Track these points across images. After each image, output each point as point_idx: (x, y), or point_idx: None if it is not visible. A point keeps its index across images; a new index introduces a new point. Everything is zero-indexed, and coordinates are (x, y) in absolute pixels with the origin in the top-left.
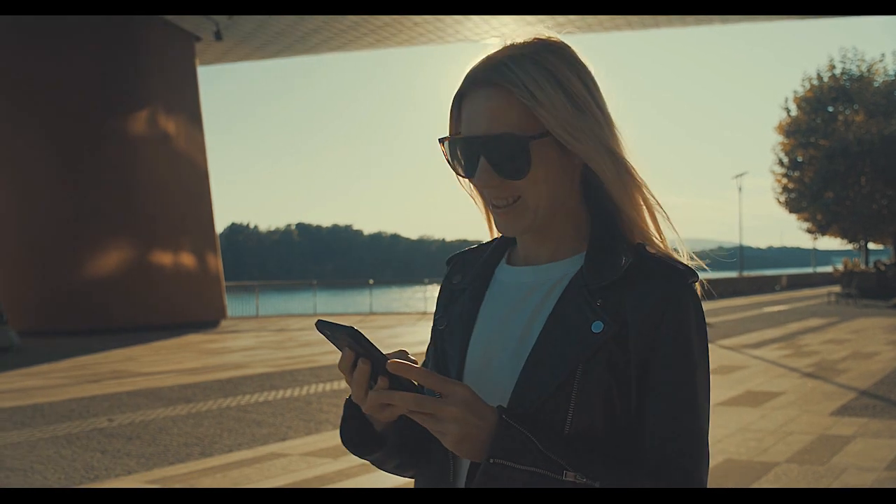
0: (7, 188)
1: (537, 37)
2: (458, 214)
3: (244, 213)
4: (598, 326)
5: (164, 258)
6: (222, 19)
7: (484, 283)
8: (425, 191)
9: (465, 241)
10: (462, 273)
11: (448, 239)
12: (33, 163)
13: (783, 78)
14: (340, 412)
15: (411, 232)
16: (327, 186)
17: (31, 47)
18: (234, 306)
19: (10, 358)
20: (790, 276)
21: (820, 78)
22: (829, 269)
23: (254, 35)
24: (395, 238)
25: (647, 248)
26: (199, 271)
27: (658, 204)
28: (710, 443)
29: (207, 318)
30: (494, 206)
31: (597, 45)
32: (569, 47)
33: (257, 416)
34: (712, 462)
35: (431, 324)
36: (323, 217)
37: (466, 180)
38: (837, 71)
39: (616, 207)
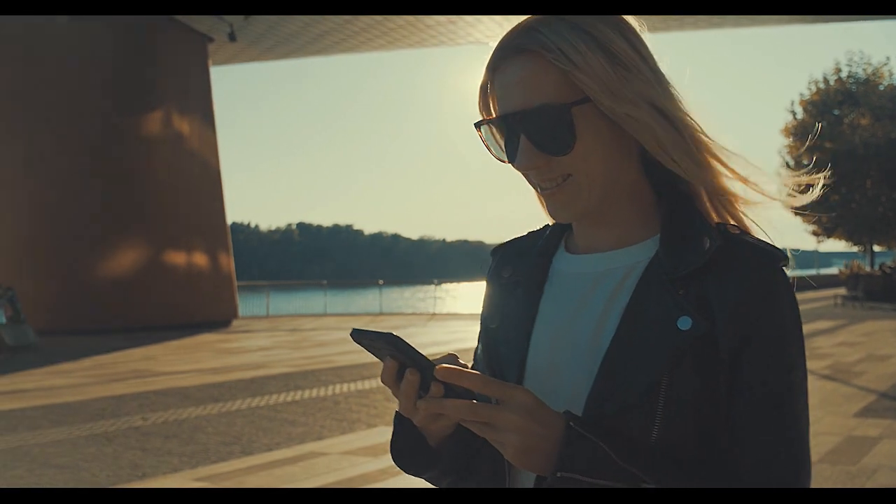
0: (24, 187)
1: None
2: (459, 215)
3: (245, 213)
4: (685, 322)
5: (178, 258)
6: (237, 20)
7: (541, 274)
8: (426, 191)
9: (465, 242)
10: (513, 265)
11: (449, 239)
12: (50, 163)
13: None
14: (370, 412)
15: (412, 232)
16: (328, 186)
17: (50, 48)
18: (245, 306)
19: (29, 356)
20: (793, 279)
21: (826, 81)
22: (831, 270)
23: (266, 36)
24: (396, 238)
25: (730, 227)
26: (212, 271)
27: (739, 164)
28: None
29: (220, 318)
30: (542, 189)
31: None
32: (617, 17)
33: (288, 416)
34: None
35: (440, 324)
36: (323, 217)
37: (511, 166)
38: (844, 74)
39: (685, 181)
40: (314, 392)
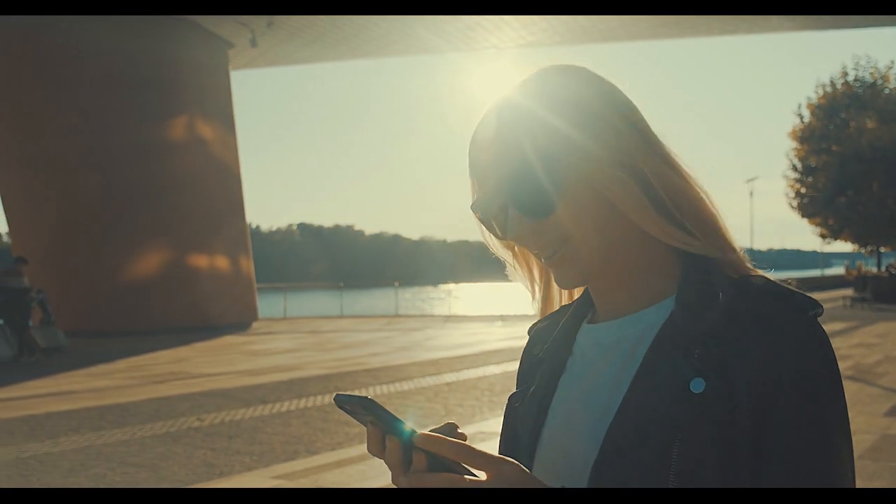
0: (49, 192)
1: (539, 70)
2: (460, 216)
3: (245, 213)
4: (698, 385)
5: (200, 261)
6: (259, 26)
7: (565, 349)
8: (427, 192)
9: (465, 243)
10: (542, 342)
11: (449, 240)
12: (74, 167)
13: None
14: (416, 412)
15: (413, 233)
16: (329, 187)
17: (73, 55)
18: (261, 307)
19: (61, 358)
20: (799, 280)
21: (833, 85)
22: (833, 271)
23: (285, 42)
24: (397, 238)
25: (753, 278)
26: (233, 273)
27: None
28: None
29: (240, 320)
30: (545, 260)
31: (611, 54)
32: (577, 67)
33: (340, 417)
34: None
35: (456, 326)
36: (324, 217)
37: (521, 254)
38: (850, 78)
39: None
40: (356, 393)
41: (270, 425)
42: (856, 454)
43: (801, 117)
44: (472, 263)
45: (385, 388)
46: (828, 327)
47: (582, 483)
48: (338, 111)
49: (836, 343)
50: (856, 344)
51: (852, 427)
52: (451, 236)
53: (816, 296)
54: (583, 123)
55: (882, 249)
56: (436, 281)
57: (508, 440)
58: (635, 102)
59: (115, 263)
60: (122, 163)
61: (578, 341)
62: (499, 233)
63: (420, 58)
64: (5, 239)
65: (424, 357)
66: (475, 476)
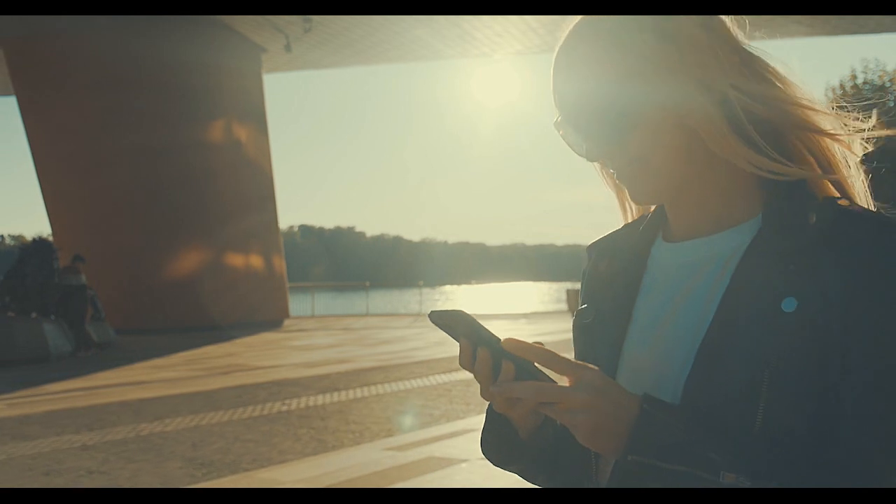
0: (91, 192)
1: None
2: (461, 217)
3: (278, 214)
4: (790, 304)
5: (236, 260)
6: (295, 31)
7: (640, 265)
8: (428, 193)
9: (466, 244)
10: (610, 257)
11: (451, 241)
12: (117, 168)
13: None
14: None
15: (414, 234)
16: (330, 188)
17: (113, 57)
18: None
19: (113, 353)
20: None
21: (843, 87)
22: None
23: (317, 47)
24: (398, 240)
25: (839, 201)
26: (266, 272)
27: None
28: None
29: (273, 318)
30: (617, 175)
31: None
32: None
33: (417, 401)
34: None
35: (485, 323)
36: (325, 219)
37: (601, 168)
38: (859, 81)
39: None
40: (419, 382)
41: (355, 410)
42: None
43: None
44: (473, 264)
45: (442, 378)
46: None
47: (673, 398)
48: (338, 113)
49: None
50: None
51: None
52: (452, 238)
53: None
54: (668, 43)
55: None
56: (435, 283)
57: (585, 356)
58: None
59: (155, 263)
60: (163, 164)
61: (655, 259)
62: (580, 150)
63: (420, 62)
64: (8, 241)
65: None
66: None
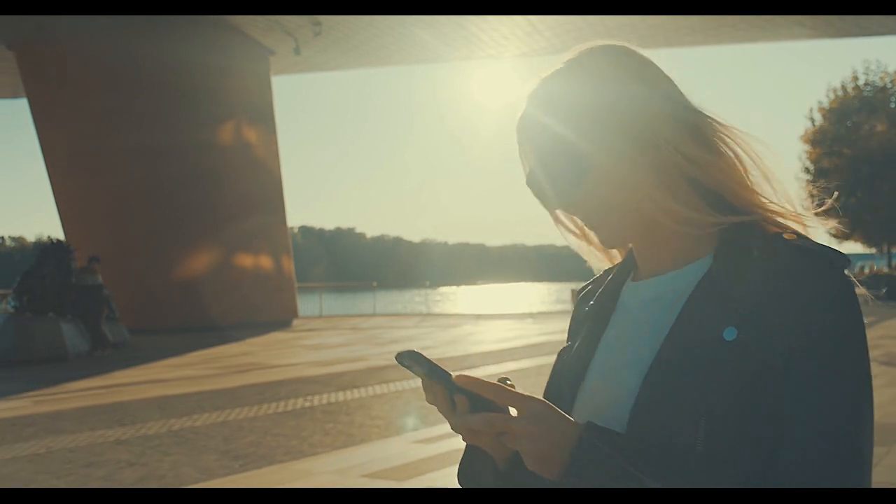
0: (102, 194)
1: (574, 53)
2: (461, 218)
3: (287, 215)
4: (731, 333)
5: (245, 260)
6: (305, 34)
7: (610, 304)
8: (428, 195)
9: (466, 245)
10: (591, 299)
11: (451, 242)
12: (127, 170)
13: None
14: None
15: (414, 235)
16: (330, 189)
17: (126, 59)
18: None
19: (128, 352)
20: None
21: (844, 89)
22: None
23: (325, 50)
24: (398, 241)
25: (787, 235)
26: (275, 273)
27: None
28: None
29: (282, 318)
30: (586, 225)
31: None
32: (608, 46)
33: None
34: None
35: (490, 323)
36: (325, 220)
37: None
38: (861, 82)
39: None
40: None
41: (376, 404)
42: None
43: (813, 121)
44: (473, 265)
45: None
46: None
47: (622, 425)
48: (338, 115)
49: None
50: (881, 336)
51: (893, 409)
52: (453, 239)
53: None
54: (611, 108)
55: (893, 249)
56: (435, 284)
57: (551, 389)
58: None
59: (166, 263)
60: (174, 165)
61: (622, 298)
62: (547, 204)
63: (426, 64)
64: (8, 242)
65: (476, 350)
66: (509, 413)
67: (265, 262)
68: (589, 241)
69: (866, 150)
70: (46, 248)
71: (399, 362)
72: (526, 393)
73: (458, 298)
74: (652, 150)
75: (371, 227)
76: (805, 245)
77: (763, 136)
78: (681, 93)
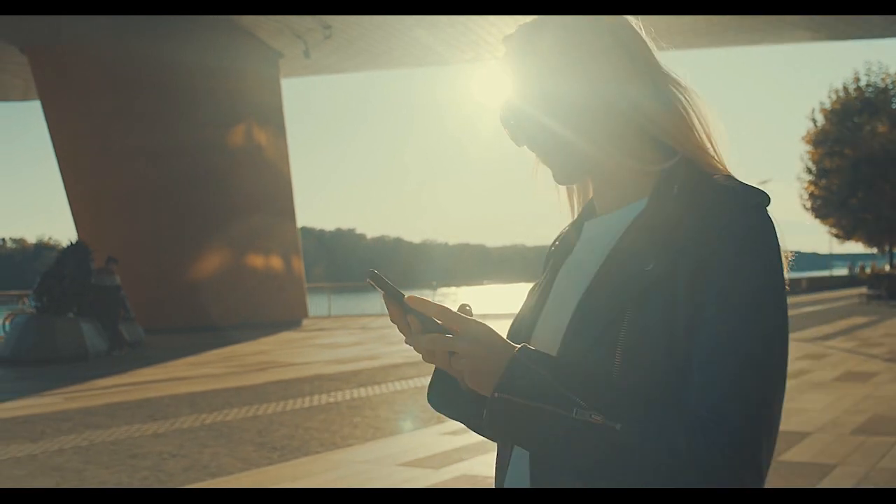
0: (117, 196)
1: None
2: (461, 219)
3: (296, 215)
4: (649, 265)
5: (257, 261)
6: (314, 38)
7: (573, 241)
8: (428, 195)
9: (467, 245)
10: (561, 239)
11: (451, 243)
12: (141, 172)
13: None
14: None
15: (414, 236)
16: (330, 190)
17: (143, 63)
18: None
19: (145, 351)
20: (809, 280)
21: (846, 90)
22: (839, 272)
23: (333, 53)
24: (398, 242)
25: (714, 176)
26: (286, 273)
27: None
28: (852, 404)
29: (292, 317)
30: (542, 160)
31: None
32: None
33: None
34: (860, 419)
35: (493, 323)
36: (326, 221)
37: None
38: (862, 83)
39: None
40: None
41: (398, 400)
42: None
43: (815, 122)
44: (473, 266)
45: None
46: (854, 321)
47: (555, 348)
48: (338, 116)
49: (867, 333)
50: (885, 334)
51: None
52: (453, 239)
53: (828, 295)
54: (578, 56)
55: (895, 249)
56: (436, 285)
57: (518, 317)
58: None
59: (176, 264)
60: (185, 167)
61: (582, 233)
62: (515, 141)
63: (432, 67)
64: (9, 244)
65: None
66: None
67: (275, 262)
68: (568, 194)
69: (868, 150)
70: (66, 250)
71: (369, 281)
72: (467, 317)
73: (460, 299)
74: (607, 99)
75: (371, 227)
76: (727, 183)
77: (766, 137)
78: (648, 49)
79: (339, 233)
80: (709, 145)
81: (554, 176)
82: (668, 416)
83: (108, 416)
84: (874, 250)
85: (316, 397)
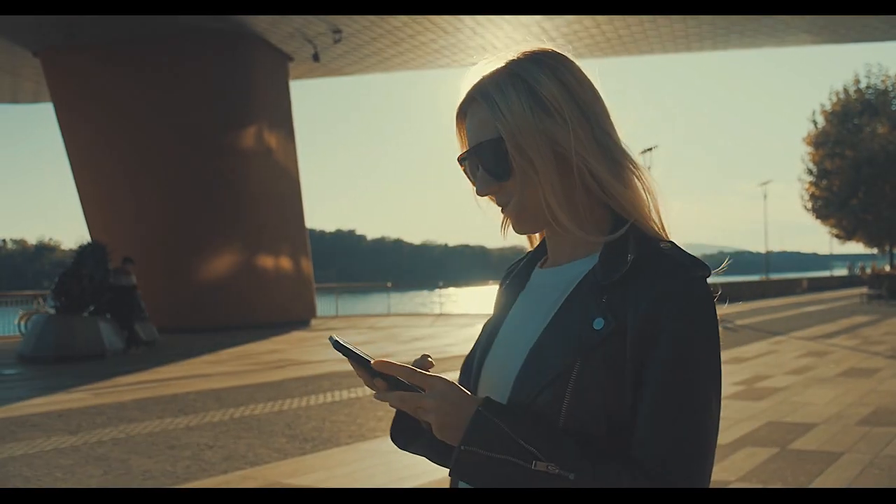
0: (132, 198)
1: (527, 50)
2: (461, 220)
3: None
4: (599, 323)
5: (267, 262)
6: (325, 41)
7: (520, 285)
8: (428, 196)
9: (466, 246)
10: (511, 278)
11: (451, 244)
12: (156, 175)
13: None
14: None
15: (414, 237)
16: (330, 192)
17: (159, 68)
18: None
19: (161, 350)
20: (810, 280)
21: (846, 92)
22: (839, 272)
23: (343, 56)
24: (398, 243)
25: (661, 243)
26: (295, 274)
27: (650, 195)
28: (857, 398)
29: (301, 317)
30: (501, 210)
31: (632, 66)
32: (557, 54)
33: None
34: (864, 411)
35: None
36: (326, 222)
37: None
38: (863, 85)
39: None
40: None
41: None
42: None
43: (816, 123)
44: (473, 266)
45: None
46: (855, 320)
47: (506, 395)
48: (338, 118)
49: (868, 332)
50: (885, 332)
51: None
52: (453, 240)
53: (829, 295)
54: (538, 113)
55: (895, 249)
56: (435, 286)
57: (470, 355)
58: (659, 109)
59: (187, 265)
60: (200, 170)
61: (531, 280)
62: (472, 184)
63: (440, 70)
64: (10, 245)
65: None
66: (420, 391)
67: (284, 263)
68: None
69: (868, 151)
70: (83, 250)
71: (336, 349)
72: (432, 374)
73: (462, 299)
74: (566, 166)
75: (372, 229)
76: (672, 253)
77: (767, 138)
78: (609, 119)
79: (339, 234)
80: (655, 216)
81: (513, 227)
82: (615, 466)
83: (139, 410)
84: (874, 251)
85: (337, 393)
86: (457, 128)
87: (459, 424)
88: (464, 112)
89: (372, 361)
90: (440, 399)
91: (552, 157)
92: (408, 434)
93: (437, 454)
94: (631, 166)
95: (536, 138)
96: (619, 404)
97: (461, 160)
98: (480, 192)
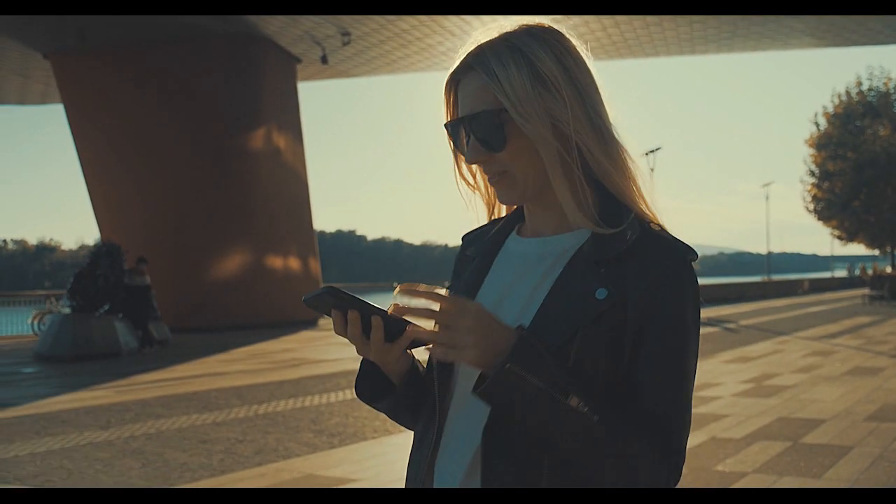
0: (144, 199)
1: (524, 23)
2: (461, 221)
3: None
4: (602, 293)
5: (276, 262)
6: (334, 43)
7: (493, 252)
8: (429, 197)
9: None
10: (475, 245)
11: (451, 244)
12: (168, 176)
13: (808, 96)
14: None
15: (414, 237)
16: (331, 192)
17: (170, 72)
18: None
19: (174, 349)
20: (811, 281)
21: (849, 94)
22: (839, 273)
23: (351, 58)
24: (399, 244)
25: (651, 224)
26: (303, 274)
27: (637, 183)
28: (863, 395)
29: (309, 317)
30: (489, 179)
31: (635, 68)
32: (554, 30)
33: None
34: (871, 407)
35: None
36: (326, 222)
37: (468, 168)
38: (864, 87)
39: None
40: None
41: None
42: None
43: (818, 125)
44: None
45: None
46: (857, 320)
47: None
48: (338, 119)
49: (871, 332)
50: (888, 332)
51: None
52: (453, 241)
53: (830, 296)
54: (538, 88)
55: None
56: (433, 285)
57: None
58: (668, 112)
59: (197, 265)
60: (210, 171)
61: (506, 248)
62: (460, 152)
63: (430, 73)
64: (10, 246)
65: None
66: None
67: (293, 263)
68: (480, 193)
69: (870, 153)
70: (99, 250)
71: (308, 305)
72: (461, 297)
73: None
74: (565, 141)
75: (372, 229)
76: (665, 236)
77: (770, 140)
78: (601, 101)
79: (339, 234)
80: (645, 197)
81: (500, 198)
82: (629, 417)
83: (164, 407)
84: (876, 252)
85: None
86: (445, 95)
87: (501, 346)
88: (456, 80)
89: (399, 286)
90: (479, 318)
91: (551, 131)
92: (378, 390)
93: (403, 409)
94: (620, 148)
95: (539, 112)
96: (616, 369)
97: (450, 126)
98: (470, 161)
